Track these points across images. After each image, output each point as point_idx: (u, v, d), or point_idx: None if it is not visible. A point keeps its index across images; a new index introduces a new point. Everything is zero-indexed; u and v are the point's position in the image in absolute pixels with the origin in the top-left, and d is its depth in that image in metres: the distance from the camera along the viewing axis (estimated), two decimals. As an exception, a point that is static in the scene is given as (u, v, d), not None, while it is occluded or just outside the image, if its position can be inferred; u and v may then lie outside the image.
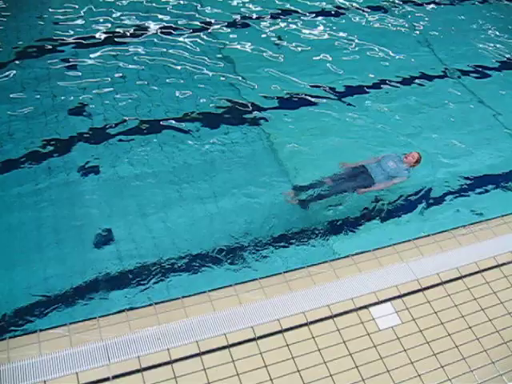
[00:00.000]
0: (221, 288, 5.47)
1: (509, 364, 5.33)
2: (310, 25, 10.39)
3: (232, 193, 6.87)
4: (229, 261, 6.14)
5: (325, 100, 8.67)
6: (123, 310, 5.10)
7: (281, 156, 7.56)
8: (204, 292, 5.36)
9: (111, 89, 8.04)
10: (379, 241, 6.35)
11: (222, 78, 8.70)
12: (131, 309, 5.14)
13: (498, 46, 10.88)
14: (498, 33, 11.28)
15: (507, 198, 7.51)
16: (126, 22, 9.43)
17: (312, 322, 5.32)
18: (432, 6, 11.82)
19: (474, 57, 10.43)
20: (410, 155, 7.27)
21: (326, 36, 10.20)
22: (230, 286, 5.52)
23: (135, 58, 8.76)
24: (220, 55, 9.18)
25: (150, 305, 5.18)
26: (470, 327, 5.57)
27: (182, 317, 5.09)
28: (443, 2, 12.01)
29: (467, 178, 7.70)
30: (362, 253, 6.12)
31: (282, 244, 6.42)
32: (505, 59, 10.53)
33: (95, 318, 4.98)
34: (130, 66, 8.57)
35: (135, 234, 6.21)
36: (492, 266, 6.21)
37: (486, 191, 7.60)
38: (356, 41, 10.13)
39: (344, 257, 6.09)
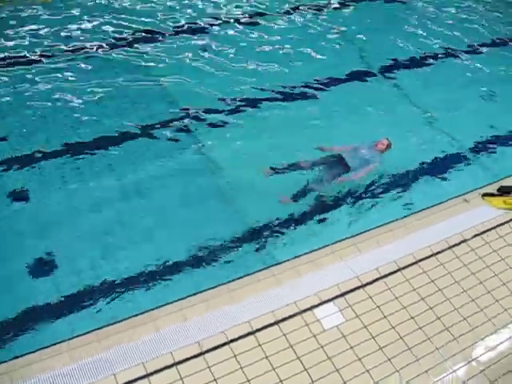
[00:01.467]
0: (163, 305, 5.46)
1: (452, 348, 5.57)
2: (236, 32, 10.55)
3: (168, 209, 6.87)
4: (170, 276, 6.08)
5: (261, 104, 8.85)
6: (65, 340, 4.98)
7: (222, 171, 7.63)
8: (147, 311, 5.34)
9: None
10: (317, 242, 6.49)
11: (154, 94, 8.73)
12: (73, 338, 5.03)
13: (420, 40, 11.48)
14: (417, 30, 11.88)
15: (434, 189, 7.85)
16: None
17: (258, 330, 5.34)
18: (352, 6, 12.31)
19: (397, 52, 10.95)
20: (380, 142, 7.65)
21: (255, 42, 10.41)
22: (174, 301, 5.51)
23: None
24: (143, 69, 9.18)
25: (93, 330, 5.09)
26: (412, 317, 5.78)
27: (127, 340, 5.01)
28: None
29: (395, 172, 8.00)
30: (300, 256, 6.23)
31: (222, 254, 6.41)
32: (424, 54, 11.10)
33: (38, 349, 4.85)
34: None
35: (74, 260, 6.08)
36: (428, 256, 6.49)
37: (415, 183, 7.92)
38: (286, 45, 10.38)
39: (284, 261, 6.18)
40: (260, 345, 5.22)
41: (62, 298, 5.71)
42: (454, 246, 6.69)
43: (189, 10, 10.87)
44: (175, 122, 8.17)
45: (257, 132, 8.23)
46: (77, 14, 10.07)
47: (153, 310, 5.42)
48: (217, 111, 8.55)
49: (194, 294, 5.65)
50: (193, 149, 7.82)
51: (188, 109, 8.45)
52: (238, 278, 5.90)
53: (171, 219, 6.77)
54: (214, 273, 6.17)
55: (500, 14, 13.37)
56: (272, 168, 7.42)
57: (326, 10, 11.94)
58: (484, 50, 11.66)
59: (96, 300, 5.74)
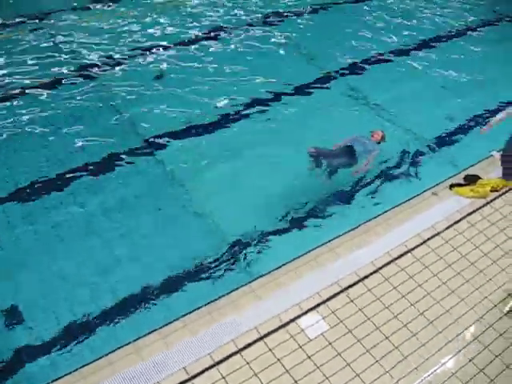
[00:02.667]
0: (145, 335, 5.44)
1: (438, 343, 5.68)
2: (188, 55, 10.66)
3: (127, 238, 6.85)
4: (147, 305, 6.04)
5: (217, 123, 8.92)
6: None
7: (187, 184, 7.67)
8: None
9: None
10: (294, 251, 6.54)
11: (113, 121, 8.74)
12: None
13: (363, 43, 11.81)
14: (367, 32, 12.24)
15: (403, 185, 8.00)
16: None
17: (243, 349, 5.36)
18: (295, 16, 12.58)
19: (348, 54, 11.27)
20: (376, 133, 8.25)
21: (211, 61, 10.56)
22: (155, 330, 5.48)
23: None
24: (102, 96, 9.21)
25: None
26: (395, 316, 5.88)
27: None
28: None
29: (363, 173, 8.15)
30: (279, 267, 6.28)
31: (198, 274, 6.40)
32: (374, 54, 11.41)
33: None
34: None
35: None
36: (404, 253, 6.63)
37: (382, 182, 8.07)
38: (241, 61, 10.55)
39: (263, 275, 6.22)
40: (248, 363, 5.23)
41: (39, 342, 5.60)
42: (428, 239, 6.85)
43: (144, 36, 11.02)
44: (140, 148, 8.22)
45: (224, 147, 8.36)
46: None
47: (136, 340, 5.38)
48: (180, 133, 8.60)
49: (175, 320, 5.63)
50: (160, 172, 7.84)
51: (152, 134, 8.52)
52: (218, 298, 5.90)
53: (145, 243, 6.74)
54: (192, 294, 6.12)
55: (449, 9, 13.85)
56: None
57: (276, 24, 12.16)
58: (437, 44, 12.08)
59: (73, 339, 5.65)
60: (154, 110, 9.03)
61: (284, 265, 6.34)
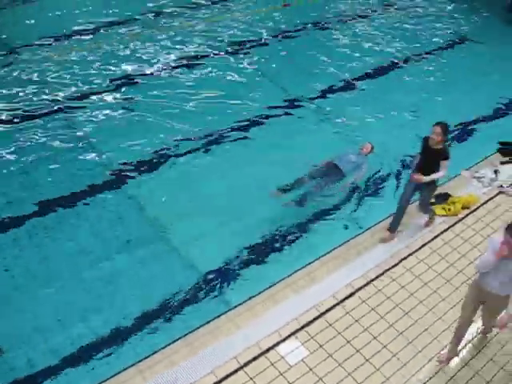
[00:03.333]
0: (121, 371, 5.38)
1: (418, 362, 5.72)
2: (158, 85, 10.76)
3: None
4: (124, 341, 5.96)
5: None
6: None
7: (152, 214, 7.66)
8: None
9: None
10: (270, 278, 6.58)
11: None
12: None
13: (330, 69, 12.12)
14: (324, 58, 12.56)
15: (375, 206, 8.08)
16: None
17: (223, 379, 5.32)
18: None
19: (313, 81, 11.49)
20: (365, 147, 8.57)
21: (182, 90, 10.65)
22: (131, 365, 5.43)
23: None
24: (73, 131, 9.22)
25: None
26: (374, 337, 5.91)
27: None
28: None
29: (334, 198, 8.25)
30: (255, 295, 6.29)
31: (175, 308, 6.34)
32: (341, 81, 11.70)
33: None
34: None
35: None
36: (381, 273, 6.70)
37: (357, 203, 8.17)
38: (204, 93, 10.66)
39: (240, 304, 6.21)
40: (228, 394, 5.19)
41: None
42: (403, 259, 6.94)
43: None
44: (108, 182, 8.18)
45: (193, 178, 8.39)
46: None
47: (115, 375, 5.31)
48: (149, 165, 8.61)
49: (153, 354, 5.58)
50: (129, 205, 7.80)
51: (120, 166, 8.50)
52: (196, 329, 5.87)
53: (117, 277, 6.68)
54: (170, 327, 6.06)
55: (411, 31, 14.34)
56: (279, 189, 7.91)
57: (244, 52, 12.43)
58: (400, 67, 12.49)
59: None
60: (122, 144, 9.01)
61: (261, 292, 6.34)
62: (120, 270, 6.77)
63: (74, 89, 10.33)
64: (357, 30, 14.04)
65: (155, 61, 11.64)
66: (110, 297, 6.41)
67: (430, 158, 6.69)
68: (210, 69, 11.48)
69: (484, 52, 13.62)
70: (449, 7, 16.40)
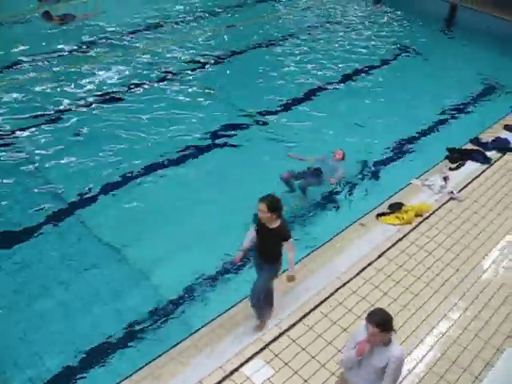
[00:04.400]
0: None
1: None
2: (110, 110, 10.73)
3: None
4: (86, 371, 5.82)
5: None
6: None
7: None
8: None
9: None
10: (232, 299, 6.57)
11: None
12: None
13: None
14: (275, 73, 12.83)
15: (331, 219, 8.27)
16: None
17: (188, 406, 5.26)
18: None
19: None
20: (337, 153, 8.99)
21: (131, 116, 10.67)
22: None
23: None
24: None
25: None
26: (339, 350, 5.95)
27: None
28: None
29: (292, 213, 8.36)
30: (216, 318, 6.26)
31: (136, 335, 6.25)
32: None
33: None
34: None
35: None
36: (340, 286, 6.79)
37: (311, 218, 8.31)
38: (153, 116, 10.68)
39: (202, 327, 6.16)
40: (195, 420, 5.11)
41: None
42: (362, 270, 7.06)
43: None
44: (62, 210, 8.08)
45: (148, 202, 8.40)
46: None
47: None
48: (103, 190, 8.56)
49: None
50: (85, 232, 7.73)
51: (74, 193, 8.43)
52: (158, 356, 5.78)
53: (74, 312, 6.54)
54: (132, 355, 5.97)
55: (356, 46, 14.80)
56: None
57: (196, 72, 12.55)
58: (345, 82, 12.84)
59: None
60: (74, 169, 8.96)
61: (221, 314, 6.31)
62: (75, 298, 6.67)
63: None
64: (301, 48, 14.37)
65: (99, 87, 11.62)
66: (65, 323, 6.31)
67: (266, 237, 5.66)
68: (156, 93, 11.51)
69: (424, 62, 14.17)
70: (386, 20, 17.03)
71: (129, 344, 6.13)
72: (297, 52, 14.16)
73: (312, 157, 8.99)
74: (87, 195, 8.42)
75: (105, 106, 10.93)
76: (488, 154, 9.82)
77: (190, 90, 11.80)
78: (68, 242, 7.52)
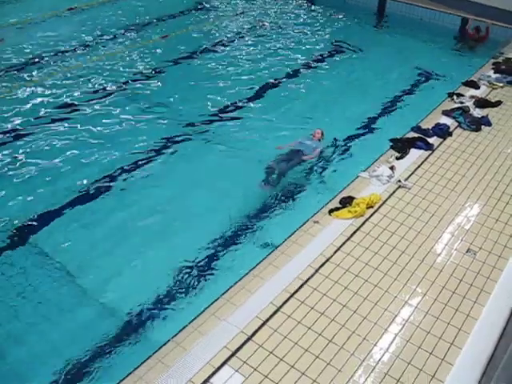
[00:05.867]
0: None
1: (353, 365, 5.88)
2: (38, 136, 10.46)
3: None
4: None
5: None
6: None
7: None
8: None
9: None
10: (193, 310, 6.55)
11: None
12: None
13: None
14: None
15: (285, 219, 8.37)
16: None
17: (159, 425, 5.17)
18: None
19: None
20: (316, 132, 10.09)
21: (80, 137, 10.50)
22: None
23: None
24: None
25: None
26: (306, 350, 5.99)
27: None
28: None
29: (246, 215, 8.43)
30: (181, 330, 6.20)
31: (98, 357, 6.13)
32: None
33: None
34: None
35: None
36: (300, 286, 6.83)
37: (264, 220, 8.37)
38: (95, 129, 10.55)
39: (166, 342, 6.08)
40: None
41: None
42: (320, 268, 7.13)
43: None
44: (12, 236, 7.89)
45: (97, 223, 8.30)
46: None
47: None
48: (55, 214, 8.39)
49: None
50: (35, 257, 7.54)
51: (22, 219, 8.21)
52: (125, 377, 5.67)
53: (32, 338, 6.38)
54: (97, 376, 5.87)
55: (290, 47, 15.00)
56: (264, 181, 9.07)
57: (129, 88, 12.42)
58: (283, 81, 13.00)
59: None
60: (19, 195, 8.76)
61: (185, 327, 6.26)
62: (31, 327, 6.51)
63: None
64: (236, 53, 14.47)
65: (34, 108, 11.34)
66: (20, 357, 6.13)
67: None
68: (92, 111, 11.35)
69: (360, 57, 14.55)
70: (321, 19, 17.38)
71: (90, 366, 5.97)
72: (234, 57, 14.24)
73: (292, 142, 9.92)
74: (37, 217, 8.26)
75: (44, 126, 10.70)
76: (430, 140, 10.11)
77: (129, 105, 11.65)
78: (20, 265, 7.36)
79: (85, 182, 9.10)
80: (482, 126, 10.79)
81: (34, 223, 8.20)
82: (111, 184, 9.12)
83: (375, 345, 6.08)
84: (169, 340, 6.10)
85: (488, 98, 12.05)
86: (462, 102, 11.63)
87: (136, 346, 6.27)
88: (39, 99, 11.71)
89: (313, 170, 9.55)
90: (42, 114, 11.21)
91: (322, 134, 10.09)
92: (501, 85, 12.66)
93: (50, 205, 8.53)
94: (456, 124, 10.84)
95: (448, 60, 14.71)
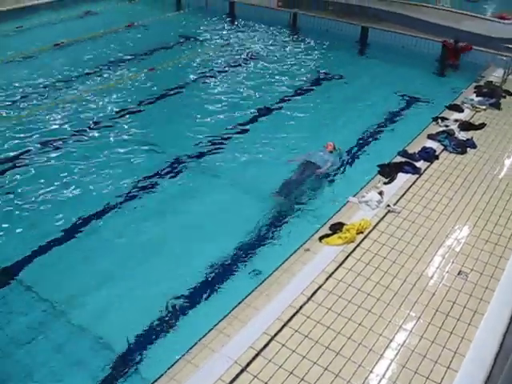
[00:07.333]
0: None
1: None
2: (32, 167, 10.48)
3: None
4: None
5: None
6: None
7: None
8: None
9: None
10: (186, 343, 6.45)
11: None
12: None
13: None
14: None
15: (275, 249, 8.36)
16: None
17: None
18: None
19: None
20: (328, 145, 10.61)
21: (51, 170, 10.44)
22: None
23: None
24: None
25: None
26: (301, 379, 5.93)
27: None
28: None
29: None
30: (174, 364, 6.12)
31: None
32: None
33: None
34: None
35: None
36: (293, 314, 6.79)
37: (254, 250, 8.36)
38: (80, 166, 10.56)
39: (160, 376, 6.00)
40: None
41: None
42: (312, 295, 7.11)
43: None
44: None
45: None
46: None
47: None
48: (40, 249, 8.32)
49: None
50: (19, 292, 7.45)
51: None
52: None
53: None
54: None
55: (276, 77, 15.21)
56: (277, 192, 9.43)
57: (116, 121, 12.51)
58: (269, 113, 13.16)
59: None
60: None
61: (178, 360, 6.18)
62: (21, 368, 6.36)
63: None
64: (224, 84, 14.64)
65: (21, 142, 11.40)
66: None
67: None
68: (77, 147, 11.37)
69: (345, 85, 14.76)
70: (304, 46, 17.67)
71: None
72: (221, 88, 14.40)
73: (304, 154, 10.36)
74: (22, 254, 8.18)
75: (30, 160, 10.73)
76: (417, 164, 10.22)
77: (115, 139, 11.70)
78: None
79: (72, 218, 9.03)
80: (468, 149, 10.93)
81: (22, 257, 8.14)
82: (99, 220, 9.08)
83: (371, 371, 6.04)
84: (162, 374, 6.01)
85: (472, 120, 12.25)
86: (446, 126, 11.79)
87: (127, 383, 6.15)
88: (23, 135, 11.67)
89: (302, 197, 9.57)
90: (25, 149, 11.19)
91: (334, 146, 10.61)
92: (484, 107, 12.87)
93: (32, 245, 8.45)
94: (442, 147, 10.97)
95: (431, 85, 14.97)
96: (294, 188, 9.57)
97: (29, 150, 11.09)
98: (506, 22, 18.53)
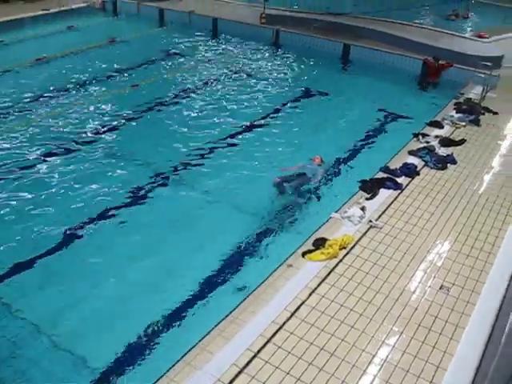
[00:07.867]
0: None
1: None
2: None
3: None
4: None
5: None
6: None
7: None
8: None
9: None
10: (168, 361, 6.38)
11: None
12: None
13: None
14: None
15: (258, 265, 8.36)
16: None
17: None
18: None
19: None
20: (315, 158, 10.82)
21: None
22: None
23: None
24: None
25: None
26: (285, 396, 5.92)
27: None
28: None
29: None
30: (156, 382, 6.06)
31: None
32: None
33: None
34: None
35: None
36: (276, 330, 6.77)
37: (239, 267, 8.37)
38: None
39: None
40: None
41: None
42: (295, 311, 7.10)
43: None
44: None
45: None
46: None
47: None
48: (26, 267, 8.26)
49: None
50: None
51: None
52: None
53: None
54: None
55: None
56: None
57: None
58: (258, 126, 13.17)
59: None
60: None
61: (160, 378, 6.12)
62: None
63: None
64: (208, 101, 14.70)
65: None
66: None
67: None
68: (59, 163, 11.34)
69: (326, 101, 14.93)
70: (286, 62, 17.83)
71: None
72: (204, 103, 14.46)
73: (295, 165, 10.63)
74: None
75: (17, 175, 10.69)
76: (398, 180, 10.33)
77: (98, 155, 11.66)
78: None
79: (56, 232, 9.00)
80: (448, 165, 11.08)
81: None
82: (82, 233, 9.03)
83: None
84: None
85: (452, 137, 12.44)
86: (427, 142, 11.95)
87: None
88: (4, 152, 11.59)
89: (285, 213, 9.60)
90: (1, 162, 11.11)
91: (322, 159, 10.83)
92: (463, 124, 13.09)
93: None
94: (423, 163, 11.11)
95: (412, 101, 15.22)
96: (290, 185, 10.08)
97: (5, 164, 11.06)
98: (483, 40, 18.95)
